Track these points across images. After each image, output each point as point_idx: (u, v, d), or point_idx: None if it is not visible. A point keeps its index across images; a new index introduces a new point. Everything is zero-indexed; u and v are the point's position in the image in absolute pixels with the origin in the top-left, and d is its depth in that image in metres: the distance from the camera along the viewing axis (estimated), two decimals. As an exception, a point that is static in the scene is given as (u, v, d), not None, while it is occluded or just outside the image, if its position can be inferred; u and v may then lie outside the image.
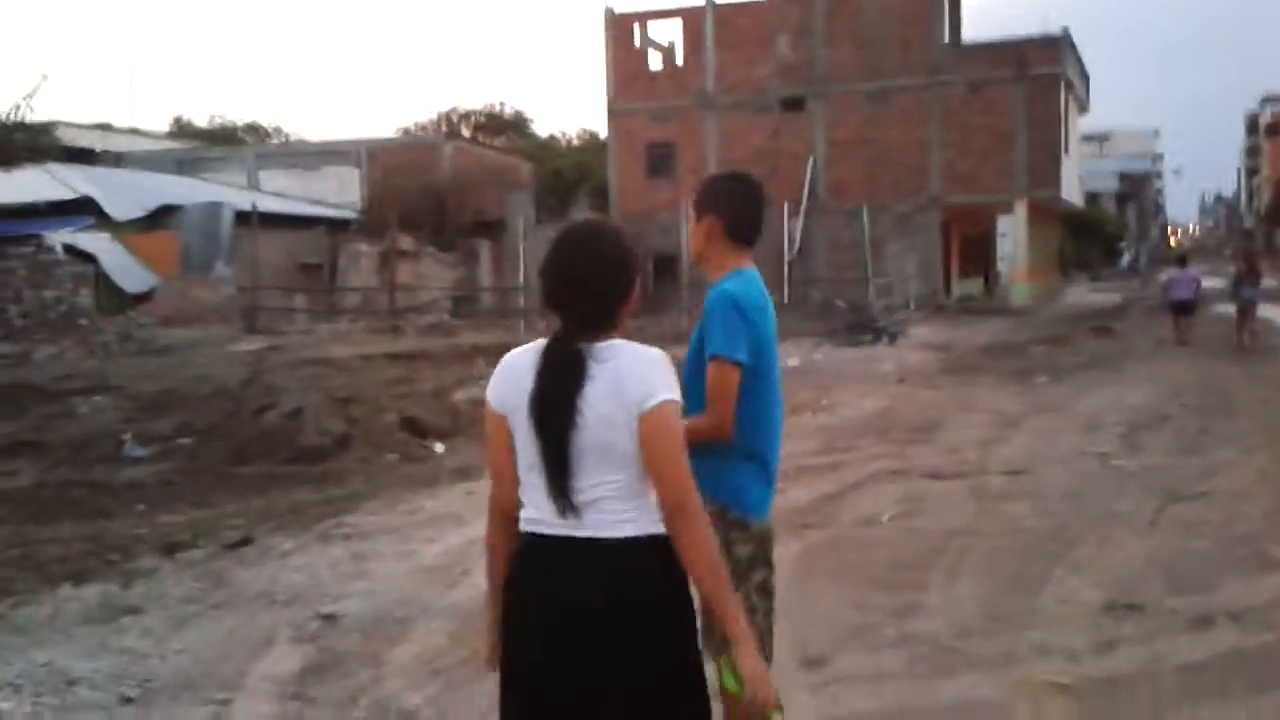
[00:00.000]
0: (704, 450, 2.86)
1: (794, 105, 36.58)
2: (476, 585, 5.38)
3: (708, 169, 37.50)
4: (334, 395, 10.60)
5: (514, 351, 2.38)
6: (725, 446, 2.88)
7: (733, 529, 2.89)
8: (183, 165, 37.87)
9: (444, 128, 49.09)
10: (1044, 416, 11.12)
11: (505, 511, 2.35)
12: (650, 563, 2.20)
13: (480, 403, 9.18)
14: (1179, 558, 5.60)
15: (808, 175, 35.89)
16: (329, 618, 4.98)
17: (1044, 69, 33.68)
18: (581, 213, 38.14)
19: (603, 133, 41.19)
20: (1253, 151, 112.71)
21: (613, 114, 39.02)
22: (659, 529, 2.21)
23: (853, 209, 30.64)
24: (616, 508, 2.21)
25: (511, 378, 2.30)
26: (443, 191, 36.16)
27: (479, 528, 6.93)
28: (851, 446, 9.61)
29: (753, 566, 2.91)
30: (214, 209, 27.36)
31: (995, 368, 16.47)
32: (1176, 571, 5.34)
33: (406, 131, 50.30)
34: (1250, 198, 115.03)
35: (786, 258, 35.79)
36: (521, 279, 34.62)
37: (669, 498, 2.18)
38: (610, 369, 2.20)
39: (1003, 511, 6.91)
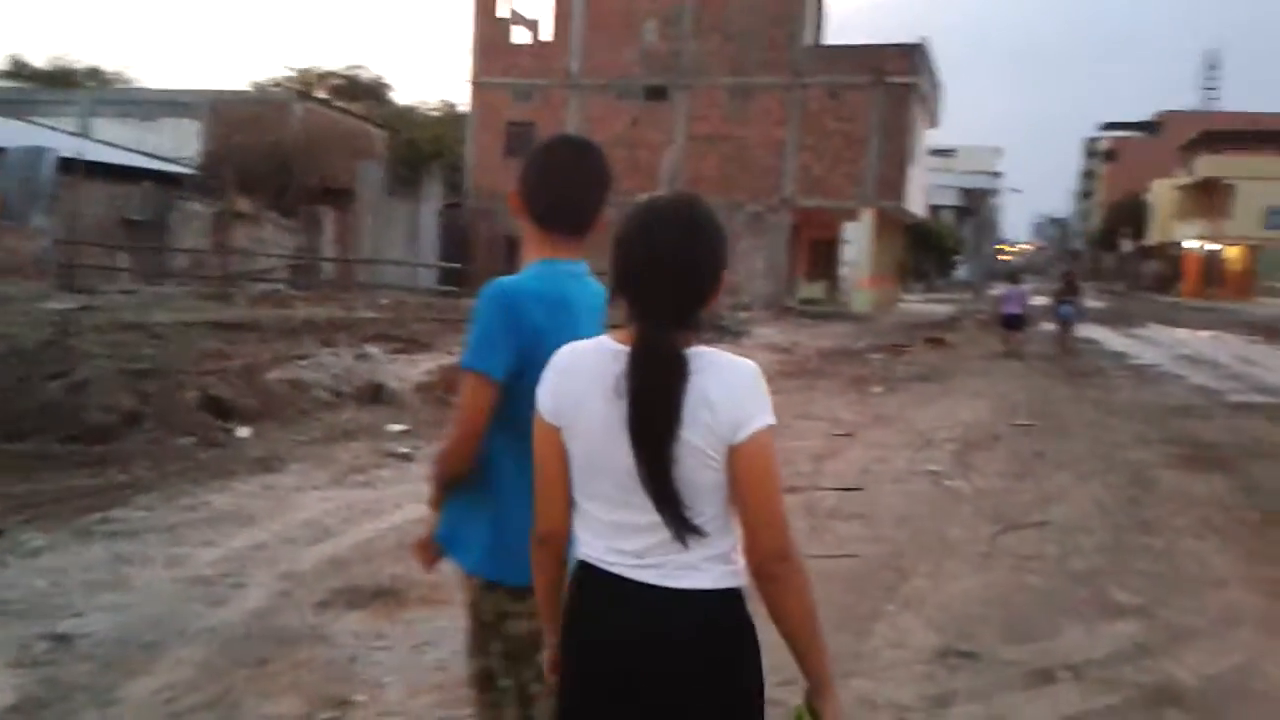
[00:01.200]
0: (463, 491, 2.34)
1: (657, 94, 36.31)
2: (249, 602, 4.75)
3: (566, 152, 36.92)
4: (130, 366, 9.64)
5: (573, 349, 1.97)
6: (488, 488, 2.33)
7: (506, 599, 2.35)
8: (11, 107, 35.00)
9: (298, 87, 46.84)
10: (879, 429, 11.00)
11: (558, 537, 1.99)
12: (739, 618, 1.96)
13: (300, 385, 8.36)
14: (1016, 596, 5.37)
15: (666, 167, 35.68)
16: (62, 638, 4.25)
17: (900, 78, 34.27)
18: (434, 186, 37.05)
19: (463, 106, 40.08)
20: (1088, 175, 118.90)
21: (475, 88, 37.97)
22: (739, 581, 1.95)
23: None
24: (701, 551, 1.90)
25: (573, 382, 1.92)
26: (289, 153, 34.39)
27: (269, 529, 6.34)
28: (686, 451, 9.23)
29: (536, 647, 2.26)
30: (35, 154, 25.24)
31: (834, 373, 16.46)
32: (1014, 613, 5.08)
33: (258, 87, 47.86)
34: (1082, 219, 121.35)
35: (639, 248, 35.54)
36: (369, 250, 33.38)
37: (769, 542, 1.89)
38: (699, 384, 1.85)
39: (835, 533, 6.62)
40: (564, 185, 2.42)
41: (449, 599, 4.95)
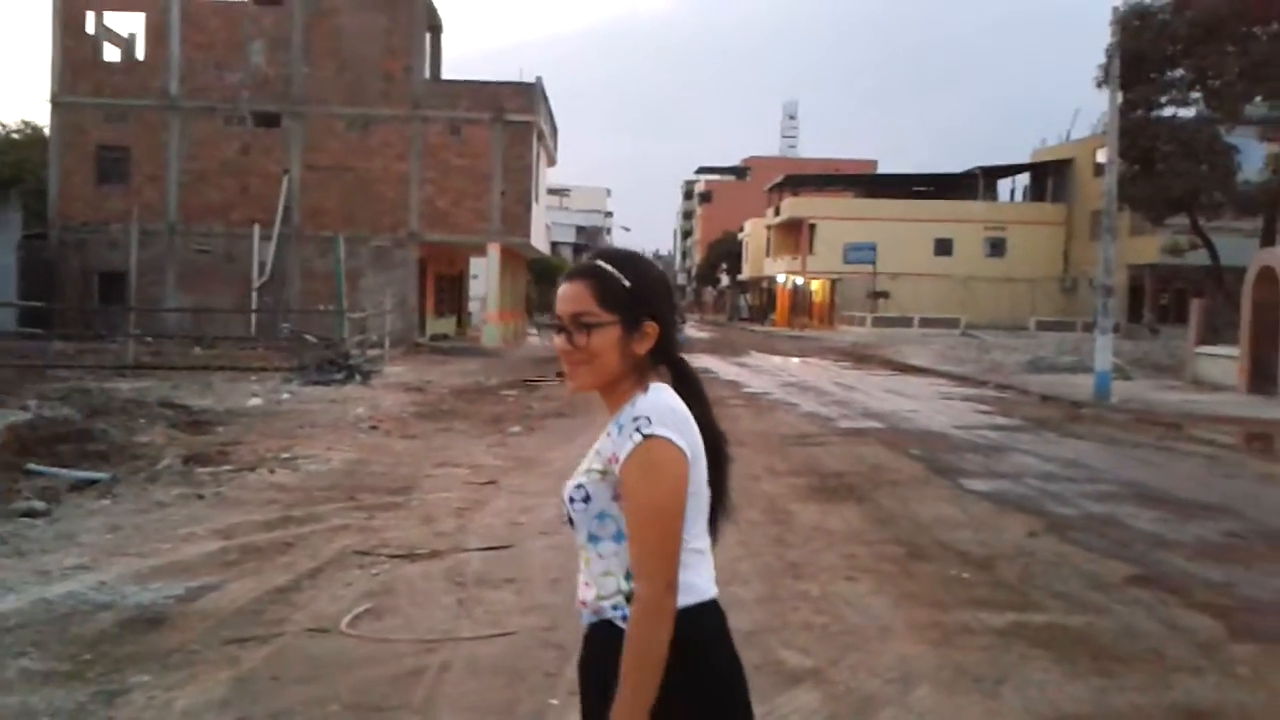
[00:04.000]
0: None
1: (269, 121, 34.19)
2: None
3: (169, 178, 33.81)
4: None
5: (665, 388, 2.06)
6: None
7: None
8: None
9: None
10: (521, 474, 10.50)
11: None
12: None
13: None
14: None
15: (282, 197, 33.60)
16: None
17: (519, 116, 34.51)
18: (12, 216, 32.56)
19: (47, 128, 35.54)
20: (688, 215, 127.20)
21: (57, 108, 33.90)
22: None
23: (330, 237, 29.00)
24: None
25: (694, 430, 2.02)
26: None
27: None
28: (312, 515, 8.21)
29: None
30: None
31: (471, 412, 15.87)
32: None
33: None
34: (684, 256, 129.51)
35: (255, 285, 33.17)
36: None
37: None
38: None
39: (486, 604, 5.95)
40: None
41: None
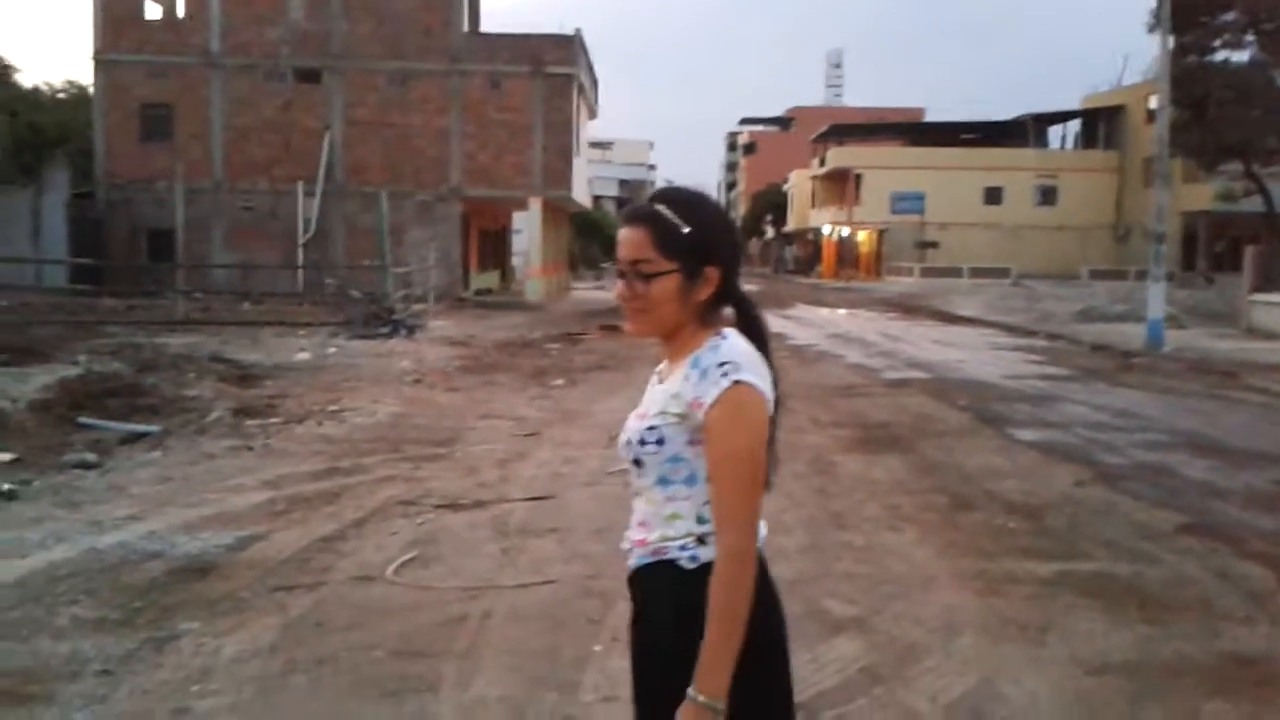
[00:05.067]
0: None
1: (310, 77, 34.24)
2: None
3: (213, 136, 34.02)
4: None
5: (738, 334, 2.03)
6: None
7: None
8: None
9: None
10: (564, 426, 10.52)
11: None
12: None
13: None
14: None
15: (324, 153, 33.73)
16: None
17: (559, 69, 34.26)
18: (60, 175, 32.97)
19: (91, 86, 35.83)
20: (731, 167, 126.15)
21: (100, 65, 34.15)
22: None
23: (373, 193, 29.09)
24: None
25: (765, 366, 2.01)
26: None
27: None
28: (358, 467, 8.29)
29: None
30: None
31: (514, 366, 15.92)
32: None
33: None
34: (728, 208, 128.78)
35: (300, 240, 33.41)
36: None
37: None
38: None
39: (529, 553, 5.98)
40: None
41: (43, 693, 3.87)
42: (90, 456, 8.23)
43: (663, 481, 2.00)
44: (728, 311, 2.07)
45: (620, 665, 4.25)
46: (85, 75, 49.96)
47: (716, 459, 1.92)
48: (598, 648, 4.49)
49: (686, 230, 1.99)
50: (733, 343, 1.98)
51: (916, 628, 4.75)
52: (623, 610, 4.90)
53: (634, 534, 2.05)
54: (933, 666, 4.30)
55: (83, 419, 9.58)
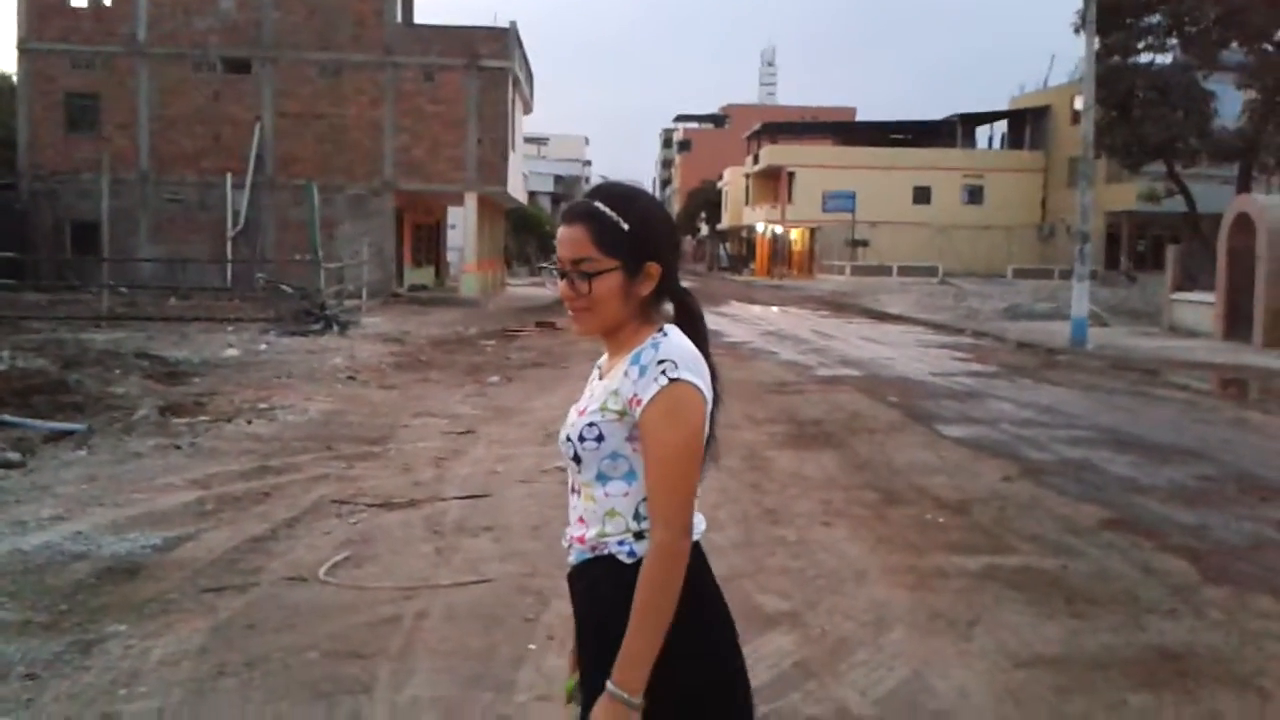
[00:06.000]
0: None
1: (239, 67, 33.64)
2: None
3: (140, 126, 33.26)
4: None
5: (678, 331, 2.03)
6: None
7: None
8: None
9: None
10: (500, 423, 10.49)
11: None
12: None
13: None
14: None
15: (254, 145, 33.15)
16: None
17: (494, 62, 34.07)
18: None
19: (14, 75, 34.82)
20: (667, 164, 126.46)
21: (24, 54, 33.18)
22: None
23: (304, 186, 28.67)
24: None
25: (705, 365, 2.00)
26: None
27: None
28: (289, 465, 8.19)
29: None
30: None
31: (449, 363, 15.82)
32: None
33: None
34: (665, 206, 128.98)
35: (230, 234, 32.81)
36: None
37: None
38: None
39: (464, 552, 5.96)
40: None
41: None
42: (13, 455, 8.02)
43: (601, 478, 2.00)
44: (667, 307, 2.08)
45: (556, 664, 4.28)
46: (7, 64, 48.36)
47: (651, 456, 1.93)
48: (533, 646, 4.49)
49: (626, 227, 1.99)
50: (673, 340, 1.98)
51: (848, 622, 4.83)
52: (559, 608, 4.93)
53: (573, 530, 2.06)
54: (864, 660, 4.37)
55: (5, 416, 9.32)
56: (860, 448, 9.37)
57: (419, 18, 37.50)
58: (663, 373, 1.92)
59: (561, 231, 2.03)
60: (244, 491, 7.24)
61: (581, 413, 2.03)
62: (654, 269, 2.01)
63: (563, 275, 2.02)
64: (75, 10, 33.88)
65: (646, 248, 2.00)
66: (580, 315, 2.03)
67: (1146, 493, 7.83)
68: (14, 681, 4.04)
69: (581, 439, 2.00)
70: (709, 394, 1.96)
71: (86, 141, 32.84)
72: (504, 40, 34.55)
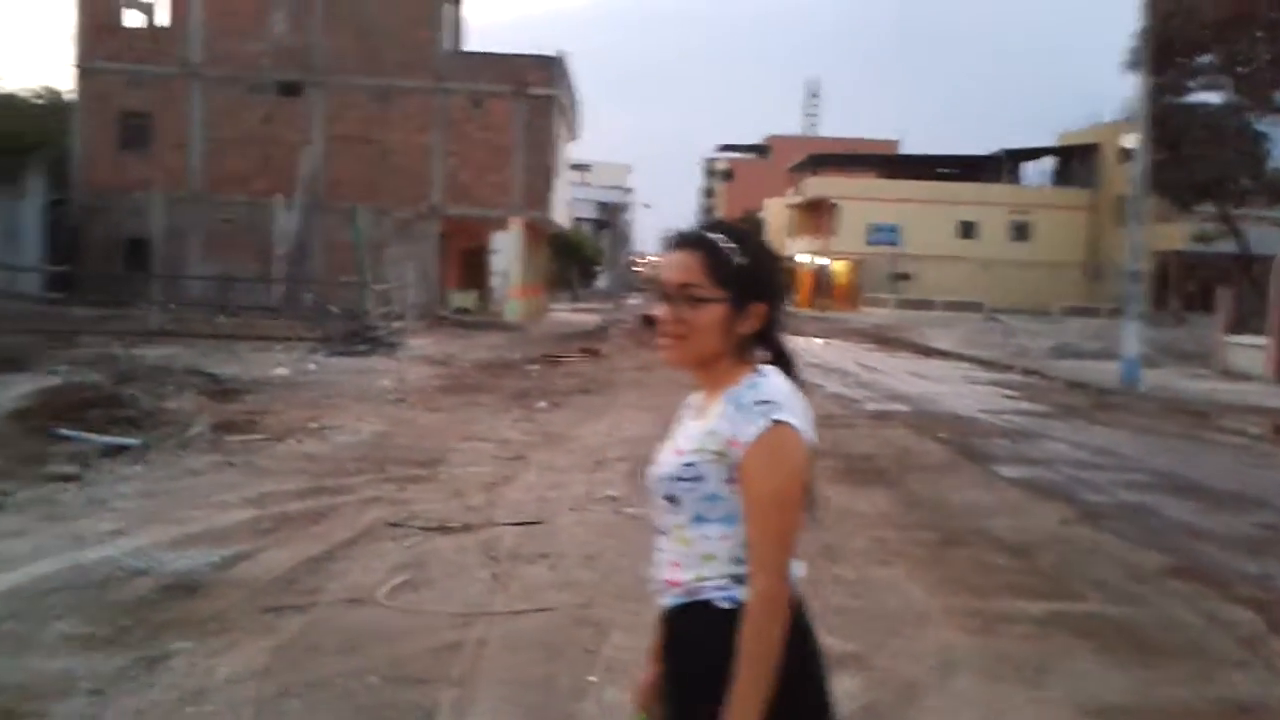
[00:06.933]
0: None
1: (291, 90, 34.13)
2: None
3: (192, 146, 33.82)
4: None
5: (777, 372, 2.01)
6: None
7: None
8: None
9: None
10: (549, 449, 10.48)
11: None
12: None
13: None
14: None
15: (304, 168, 33.60)
16: None
17: (541, 89, 34.38)
18: (37, 181, 32.57)
19: (71, 94, 35.54)
20: (709, 193, 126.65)
21: (81, 73, 33.90)
22: None
23: (352, 209, 28.99)
24: None
25: (806, 407, 1.99)
26: None
27: None
28: (343, 486, 8.22)
29: None
30: None
31: (495, 387, 15.85)
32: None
33: None
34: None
35: (278, 254, 33.22)
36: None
37: None
38: None
39: (520, 579, 5.94)
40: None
41: (35, 712, 3.79)
42: (71, 469, 8.12)
43: (698, 520, 1.96)
44: (763, 352, 2.05)
45: (618, 697, 4.24)
46: (63, 82, 49.44)
47: (752, 500, 1.89)
48: (593, 678, 4.45)
49: (741, 261, 1.97)
50: (772, 381, 1.96)
51: (914, 665, 4.75)
52: (618, 640, 4.90)
53: (665, 573, 2.01)
54: (934, 706, 4.30)
55: (61, 430, 9.44)
56: (913, 485, 9.27)
57: (468, 45, 37.94)
58: (763, 414, 1.89)
59: (671, 256, 2.01)
60: (299, 511, 7.27)
61: (679, 452, 1.99)
62: (760, 309, 1.99)
63: (665, 299, 2.00)
64: (131, 31, 34.59)
65: (756, 287, 1.98)
66: (674, 343, 2.00)
67: (1207, 539, 7.67)
68: (79, 697, 4.05)
69: (679, 479, 1.96)
70: (811, 437, 1.93)
71: (139, 160, 33.42)
72: (552, 69, 34.89)
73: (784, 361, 2.04)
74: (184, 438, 9.77)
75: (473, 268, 41.50)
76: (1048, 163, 64.43)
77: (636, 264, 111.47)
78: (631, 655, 4.73)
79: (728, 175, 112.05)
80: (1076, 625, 5.48)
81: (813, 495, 2.03)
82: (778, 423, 1.88)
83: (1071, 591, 6.14)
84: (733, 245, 1.99)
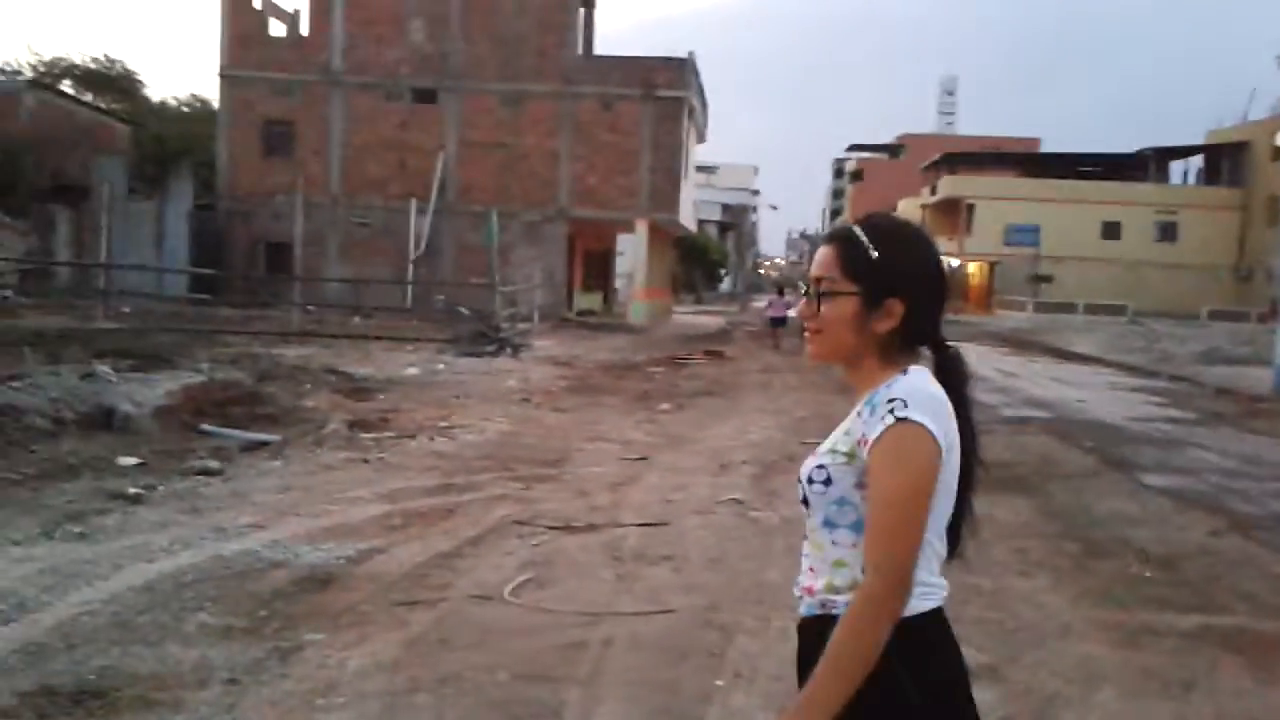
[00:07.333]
0: None
1: (426, 97, 34.99)
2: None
3: (331, 152, 34.97)
4: None
5: (925, 372, 1.90)
6: None
7: None
8: None
9: (36, 76, 41.61)
10: (672, 451, 10.44)
11: None
12: None
13: (9, 410, 6.86)
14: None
15: (438, 172, 34.40)
16: None
17: (670, 91, 34.42)
18: (184, 186, 34.20)
19: (216, 101, 37.21)
20: (838, 194, 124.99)
21: (226, 81, 35.39)
22: None
23: (483, 212, 29.53)
24: None
25: (947, 410, 1.86)
26: (16, 147, 31.12)
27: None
28: (471, 484, 8.33)
29: None
30: None
31: (619, 389, 15.90)
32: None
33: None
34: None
35: (411, 257, 34.08)
36: (105, 254, 30.38)
37: None
38: None
39: (645, 580, 5.90)
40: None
41: (172, 700, 3.91)
42: (213, 463, 8.43)
43: (828, 524, 1.89)
44: (925, 353, 1.95)
45: (744, 702, 4.16)
46: (208, 90, 51.70)
47: (871, 498, 1.81)
48: (720, 682, 4.38)
49: (874, 254, 1.89)
50: (911, 379, 1.85)
51: (1054, 678, 4.53)
52: (743, 645, 4.82)
53: (803, 579, 1.95)
54: (1075, 719, 4.09)
55: (205, 426, 9.83)
56: (1055, 494, 8.90)
57: (598, 48, 38.26)
58: (890, 411, 1.80)
59: (818, 251, 1.99)
60: (429, 508, 7.39)
61: (815, 454, 1.94)
62: (895, 306, 1.89)
63: (807, 293, 1.97)
64: (274, 40, 35.96)
65: (891, 281, 1.89)
66: (812, 337, 1.96)
67: (1374, 557, 7.15)
68: (216, 686, 4.17)
69: (810, 481, 1.90)
70: (944, 438, 1.81)
71: (282, 166, 34.69)
72: (681, 71, 34.90)
73: (949, 368, 1.93)
74: (320, 434, 10.06)
75: (598, 270, 41.88)
76: (1195, 162, 61.57)
77: (761, 266, 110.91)
78: (757, 661, 4.65)
79: (857, 176, 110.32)
80: (1225, 639, 5.17)
81: (969, 519, 1.96)
82: (903, 420, 1.79)
83: (1220, 604, 5.80)
84: (871, 239, 1.91)
